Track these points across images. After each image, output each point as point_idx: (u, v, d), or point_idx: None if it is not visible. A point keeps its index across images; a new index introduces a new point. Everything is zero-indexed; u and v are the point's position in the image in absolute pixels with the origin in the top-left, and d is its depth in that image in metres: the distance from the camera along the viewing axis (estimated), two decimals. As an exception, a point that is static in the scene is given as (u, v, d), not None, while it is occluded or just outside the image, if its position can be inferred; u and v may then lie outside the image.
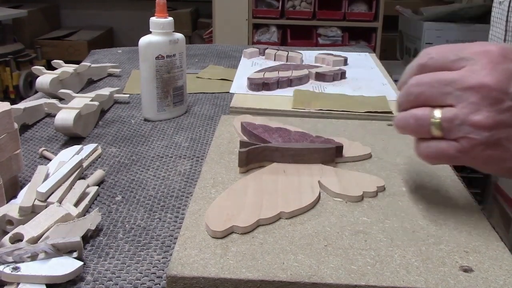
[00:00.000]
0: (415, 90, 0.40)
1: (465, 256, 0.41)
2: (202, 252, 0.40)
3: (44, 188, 0.48)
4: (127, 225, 0.48)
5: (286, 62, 1.03)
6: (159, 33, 0.72)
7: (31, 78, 2.84)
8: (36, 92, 0.87)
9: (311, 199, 0.48)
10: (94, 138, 0.69)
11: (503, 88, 0.37)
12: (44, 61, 3.09)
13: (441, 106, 0.39)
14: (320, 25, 2.32)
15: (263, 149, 0.55)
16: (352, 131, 0.67)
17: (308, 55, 1.09)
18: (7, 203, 0.49)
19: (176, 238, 0.44)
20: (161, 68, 0.73)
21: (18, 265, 0.39)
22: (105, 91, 0.79)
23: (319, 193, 0.50)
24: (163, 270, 0.42)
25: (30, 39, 3.19)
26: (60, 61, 0.90)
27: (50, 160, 0.61)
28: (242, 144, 0.56)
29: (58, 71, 0.84)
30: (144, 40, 0.72)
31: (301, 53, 1.06)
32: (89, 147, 0.63)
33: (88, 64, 0.91)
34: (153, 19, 0.72)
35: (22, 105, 0.73)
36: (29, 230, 0.43)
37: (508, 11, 0.59)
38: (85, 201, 0.51)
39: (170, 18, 0.73)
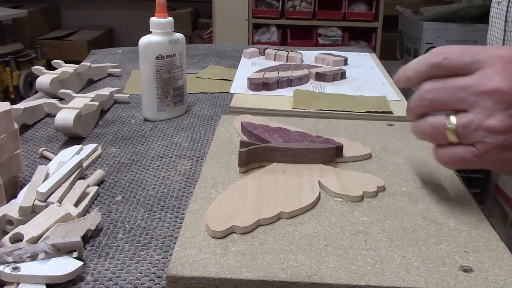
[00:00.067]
0: (429, 96, 0.40)
1: (465, 256, 0.41)
2: (202, 252, 0.40)
3: (44, 188, 0.48)
4: (127, 225, 0.48)
5: (286, 62, 1.03)
6: (159, 33, 0.72)
7: (31, 78, 2.84)
8: (36, 92, 0.87)
9: (311, 199, 0.48)
10: (94, 138, 0.69)
11: None
12: (44, 61, 3.09)
13: (455, 111, 0.39)
14: (320, 25, 2.32)
15: (263, 149, 0.55)
16: (352, 131, 0.67)
17: (308, 55, 1.09)
18: (7, 203, 0.49)
19: (176, 238, 0.44)
20: (161, 68, 0.73)
21: (18, 265, 0.39)
22: (105, 91, 0.79)
23: (319, 193, 0.50)
24: (163, 270, 0.42)
25: (30, 39, 3.19)
26: (60, 61, 0.90)
27: (50, 160, 0.61)
28: (242, 144, 0.56)
29: (58, 71, 0.84)
30: (144, 40, 0.72)
31: (301, 53, 1.06)
32: (89, 147, 0.63)
33: (88, 64, 0.91)
34: (153, 19, 0.72)
35: (22, 105, 0.73)
36: (29, 230, 0.43)
37: (507, 11, 0.59)
38: (85, 201, 0.51)
39: (170, 18, 0.73)
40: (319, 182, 0.51)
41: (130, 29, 3.49)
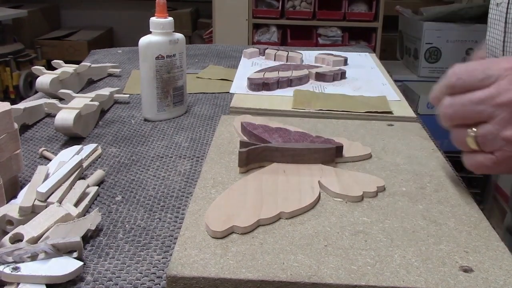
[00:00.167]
0: (449, 111, 0.43)
1: (465, 256, 0.41)
2: (202, 252, 0.40)
3: (44, 188, 0.48)
4: (127, 225, 0.48)
5: (286, 62, 1.03)
6: (159, 33, 0.72)
7: (31, 78, 2.84)
8: (36, 92, 0.87)
9: (311, 199, 0.48)
10: (94, 138, 0.69)
11: None
12: (44, 61, 3.09)
13: (476, 123, 0.42)
14: (320, 25, 2.32)
15: (263, 149, 0.55)
16: (352, 131, 0.67)
17: (308, 55, 1.09)
18: (7, 203, 0.49)
19: (176, 238, 0.44)
20: (161, 68, 0.73)
21: (18, 265, 0.39)
22: (105, 91, 0.79)
23: (319, 193, 0.50)
24: (163, 270, 0.42)
25: (30, 39, 3.19)
26: (60, 61, 0.90)
27: (50, 160, 0.61)
28: (242, 144, 0.56)
29: (58, 71, 0.84)
30: (144, 40, 0.72)
31: (301, 53, 1.06)
32: (89, 147, 0.63)
33: (88, 64, 0.91)
34: (153, 19, 0.72)
35: (22, 105, 0.73)
36: (29, 230, 0.43)
37: (506, 13, 0.59)
38: (85, 201, 0.51)
39: (170, 18, 0.73)
40: (319, 182, 0.51)
41: (130, 29, 3.48)
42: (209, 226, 0.43)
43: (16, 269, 0.38)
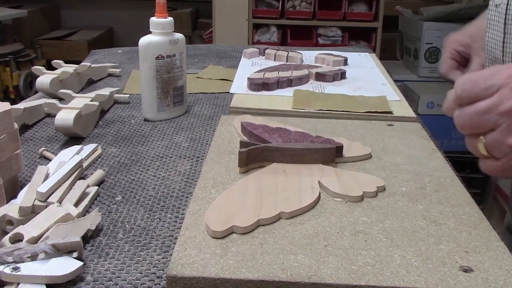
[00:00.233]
0: (459, 122, 0.44)
1: (465, 256, 0.41)
2: (202, 252, 0.40)
3: (44, 188, 0.48)
4: (127, 225, 0.48)
5: (286, 62, 1.03)
6: (159, 33, 0.72)
7: (31, 78, 2.83)
8: (36, 92, 0.87)
9: (311, 199, 0.48)
10: (94, 138, 0.69)
11: None
12: (44, 61, 3.09)
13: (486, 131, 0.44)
14: (320, 25, 2.32)
15: (263, 149, 0.55)
16: (352, 131, 0.67)
17: (308, 55, 1.09)
18: (7, 203, 0.49)
19: (176, 238, 0.44)
20: (161, 68, 0.73)
21: (18, 265, 0.39)
22: (105, 91, 0.79)
23: (319, 193, 0.50)
24: (163, 270, 0.42)
25: (30, 39, 3.19)
26: (60, 61, 0.90)
27: (50, 160, 0.61)
28: (242, 144, 0.56)
29: (58, 71, 0.84)
30: (144, 40, 0.72)
31: (301, 53, 1.06)
32: (89, 147, 0.63)
33: (88, 64, 0.91)
34: (153, 19, 0.72)
35: (22, 105, 0.73)
36: (29, 230, 0.43)
37: (506, 14, 0.59)
38: (85, 201, 0.51)
39: (170, 18, 0.73)
40: (319, 182, 0.51)
41: (130, 29, 3.48)
42: (209, 226, 0.43)
43: (16, 269, 0.38)
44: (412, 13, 2.30)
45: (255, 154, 0.55)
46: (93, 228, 0.45)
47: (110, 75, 1.00)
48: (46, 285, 0.38)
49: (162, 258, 0.43)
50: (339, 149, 0.57)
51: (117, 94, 0.84)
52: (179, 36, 0.74)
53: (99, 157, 0.63)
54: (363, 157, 0.59)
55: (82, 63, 0.92)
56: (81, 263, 0.40)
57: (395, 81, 0.96)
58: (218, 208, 0.46)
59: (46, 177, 0.51)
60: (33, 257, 0.40)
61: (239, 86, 0.86)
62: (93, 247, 0.45)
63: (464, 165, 2.04)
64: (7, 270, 0.38)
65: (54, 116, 0.68)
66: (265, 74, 0.89)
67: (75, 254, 0.41)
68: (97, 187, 0.54)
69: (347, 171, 0.55)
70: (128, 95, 0.85)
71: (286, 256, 0.40)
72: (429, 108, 1.98)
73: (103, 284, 0.40)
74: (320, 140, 0.60)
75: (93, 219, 0.46)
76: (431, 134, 0.69)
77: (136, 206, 0.52)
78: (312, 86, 0.88)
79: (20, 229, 0.43)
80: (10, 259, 0.39)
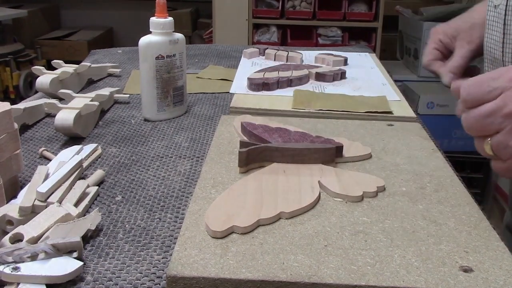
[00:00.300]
0: (466, 125, 0.45)
1: (465, 256, 0.41)
2: (202, 252, 0.40)
3: (44, 188, 0.48)
4: (127, 225, 0.48)
5: (286, 62, 1.03)
6: (159, 33, 0.72)
7: (31, 78, 2.83)
8: (36, 92, 0.87)
9: (311, 199, 0.48)
10: (94, 138, 0.69)
11: None
12: (44, 61, 3.09)
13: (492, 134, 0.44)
14: (320, 25, 2.32)
15: (263, 149, 0.55)
16: (352, 131, 0.67)
17: (308, 55, 1.09)
18: (7, 203, 0.49)
19: (176, 238, 0.44)
20: (161, 68, 0.73)
21: (18, 265, 0.39)
22: (105, 91, 0.79)
23: (319, 193, 0.50)
24: (163, 270, 0.42)
25: (30, 39, 3.19)
26: (60, 61, 0.90)
27: (50, 160, 0.61)
28: (242, 144, 0.56)
29: (58, 71, 0.84)
30: (144, 40, 0.72)
31: (301, 53, 1.06)
32: (89, 147, 0.63)
33: (88, 64, 0.91)
34: (153, 19, 0.72)
35: (22, 105, 0.73)
36: (29, 230, 0.43)
37: (505, 15, 0.59)
38: (85, 201, 0.51)
39: (170, 18, 0.73)
40: (319, 182, 0.51)
41: (130, 29, 3.48)
42: (209, 226, 0.43)
43: (16, 269, 0.38)
44: (412, 13, 2.30)
45: (255, 154, 0.55)
46: (93, 228, 0.45)
47: (110, 75, 1.00)
48: (46, 285, 0.38)
49: (162, 258, 0.43)
50: (339, 149, 0.57)
51: (117, 94, 0.84)
52: (179, 36, 0.74)
53: (99, 157, 0.63)
54: (363, 157, 0.59)
55: (82, 63, 0.92)
56: (81, 263, 0.40)
57: (395, 81, 0.96)
58: (218, 208, 0.46)
59: (46, 177, 0.51)
60: (33, 257, 0.40)
61: (239, 86, 0.86)
62: (93, 247, 0.45)
63: (464, 165, 2.04)
64: (7, 270, 0.38)
65: (54, 116, 0.68)
66: (265, 74, 0.89)
67: (75, 254, 0.41)
68: (97, 187, 0.54)
69: (347, 171, 0.55)
70: (128, 95, 0.85)
71: (286, 256, 0.40)
72: (429, 108, 1.98)
73: (103, 284, 0.40)
74: (320, 140, 0.60)
75: (93, 219, 0.46)
76: (431, 134, 0.69)
77: (136, 206, 0.52)
78: (312, 86, 0.88)
79: (20, 229, 0.43)
80: (10, 259, 0.39)
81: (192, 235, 0.42)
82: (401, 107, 0.78)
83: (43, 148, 0.64)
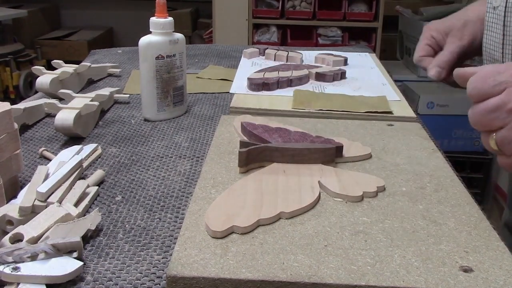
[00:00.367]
0: (472, 121, 0.45)
1: (465, 256, 0.41)
2: (202, 252, 0.40)
3: (44, 188, 0.48)
4: (127, 225, 0.48)
5: (286, 62, 1.03)
6: (159, 33, 0.72)
7: (31, 78, 2.83)
8: (36, 92, 0.87)
9: (311, 199, 0.48)
10: (94, 138, 0.69)
11: None
12: (44, 61, 3.09)
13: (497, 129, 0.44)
14: (320, 25, 2.32)
15: (263, 149, 0.55)
16: (352, 131, 0.67)
17: (308, 55, 1.09)
18: (7, 203, 0.49)
19: (176, 238, 0.44)
20: (161, 68, 0.73)
21: (18, 265, 0.39)
22: (105, 91, 0.79)
23: (319, 193, 0.50)
24: (163, 270, 0.42)
25: (30, 39, 3.19)
26: (60, 61, 0.90)
27: (50, 160, 0.61)
28: (242, 144, 0.56)
29: (58, 71, 0.84)
30: (144, 40, 0.72)
31: (301, 53, 1.06)
32: (89, 147, 0.63)
33: (88, 64, 0.91)
34: (153, 19, 0.72)
35: (22, 105, 0.73)
36: (29, 230, 0.43)
37: (504, 16, 0.59)
38: (85, 201, 0.51)
39: (170, 18, 0.73)
40: (319, 182, 0.51)
41: (130, 29, 3.48)
42: (209, 226, 0.43)
43: (16, 269, 0.38)
44: (412, 13, 2.30)
45: (255, 154, 0.55)
46: (93, 228, 0.45)
47: (110, 75, 1.00)
48: (46, 285, 0.38)
49: (162, 258, 0.43)
50: (339, 149, 0.57)
51: (117, 94, 0.84)
52: (179, 36, 0.74)
53: (99, 157, 0.63)
54: (363, 157, 0.59)
55: (82, 63, 0.92)
56: (81, 263, 0.40)
57: (395, 81, 0.96)
58: (218, 208, 0.46)
59: (46, 177, 0.51)
60: (33, 257, 0.40)
61: (239, 86, 0.86)
62: (93, 247, 0.45)
63: (464, 165, 2.04)
64: (7, 270, 0.38)
65: (54, 116, 0.68)
66: (265, 74, 0.89)
67: (75, 254, 0.41)
68: (97, 187, 0.54)
69: (347, 171, 0.55)
70: (128, 95, 0.85)
71: (286, 256, 0.40)
72: (429, 108, 1.98)
73: (103, 284, 0.40)
74: (320, 140, 0.60)
75: (93, 219, 0.46)
76: (431, 134, 0.69)
77: (136, 206, 0.52)
78: (312, 86, 0.88)
79: (20, 229, 0.43)
80: (10, 259, 0.39)
81: (192, 235, 0.42)
82: (401, 107, 0.78)
83: (43, 148, 0.64)
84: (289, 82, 0.87)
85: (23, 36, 3.13)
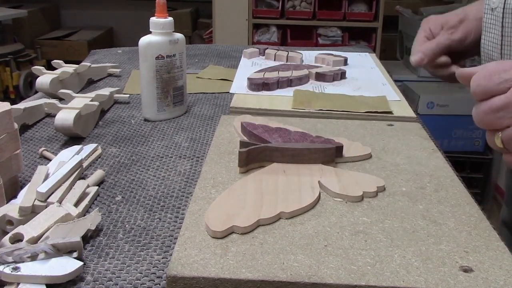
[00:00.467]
0: (476, 119, 0.45)
1: (465, 256, 0.41)
2: (202, 252, 0.40)
3: (44, 188, 0.48)
4: (127, 225, 0.48)
5: (286, 62, 1.03)
6: (159, 33, 0.72)
7: (31, 78, 2.83)
8: (36, 92, 0.87)
9: (311, 199, 0.48)
10: (94, 138, 0.69)
11: None
12: (44, 61, 3.09)
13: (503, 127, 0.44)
14: (320, 25, 2.32)
15: (263, 149, 0.55)
16: (352, 131, 0.67)
17: (308, 55, 1.09)
18: (7, 203, 0.49)
19: (176, 238, 0.44)
20: (161, 68, 0.73)
21: (18, 265, 0.39)
22: (105, 91, 0.79)
23: (319, 193, 0.50)
24: (163, 270, 0.42)
25: (30, 39, 3.19)
26: (60, 61, 0.90)
27: (50, 160, 0.61)
28: (242, 144, 0.56)
29: (58, 71, 0.84)
30: (144, 40, 0.72)
31: (301, 53, 1.06)
32: (89, 147, 0.63)
33: (88, 64, 0.91)
34: (153, 19, 0.72)
35: (22, 105, 0.73)
36: (29, 230, 0.43)
37: (502, 17, 0.59)
38: (85, 201, 0.51)
39: (170, 18, 0.73)
40: (319, 182, 0.51)
41: (130, 29, 3.48)
42: (209, 226, 0.43)
43: (16, 269, 0.38)
44: (412, 13, 2.30)
45: (255, 154, 0.55)
46: (93, 228, 0.45)
47: (110, 75, 1.00)
48: (46, 285, 0.38)
49: (162, 258, 0.43)
50: (339, 149, 0.57)
51: (117, 94, 0.84)
52: (179, 36, 0.74)
53: (99, 157, 0.63)
54: (363, 157, 0.59)
55: (82, 63, 0.92)
56: (81, 263, 0.40)
57: (395, 81, 0.96)
58: (218, 208, 0.46)
59: (46, 177, 0.51)
60: (33, 257, 0.40)
61: (239, 86, 0.86)
62: (93, 247, 0.45)
63: (464, 165, 2.04)
64: (7, 270, 0.38)
65: (54, 116, 0.68)
66: (265, 74, 0.89)
67: (75, 254, 0.41)
68: (97, 187, 0.54)
69: (347, 171, 0.55)
70: (128, 95, 0.85)
71: (286, 256, 0.40)
72: (429, 108, 1.98)
73: (103, 284, 0.40)
74: (320, 140, 0.60)
75: (93, 219, 0.46)
76: (431, 134, 0.69)
77: (136, 206, 0.52)
78: (312, 86, 0.88)
79: (20, 229, 0.43)
80: (10, 259, 0.39)
81: (192, 235, 0.42)
82: (401, 107, 0.78)
83: (43, 148, 0.64)
84: (289, 82, 0.87)
85: (23, 36, 3.13)
